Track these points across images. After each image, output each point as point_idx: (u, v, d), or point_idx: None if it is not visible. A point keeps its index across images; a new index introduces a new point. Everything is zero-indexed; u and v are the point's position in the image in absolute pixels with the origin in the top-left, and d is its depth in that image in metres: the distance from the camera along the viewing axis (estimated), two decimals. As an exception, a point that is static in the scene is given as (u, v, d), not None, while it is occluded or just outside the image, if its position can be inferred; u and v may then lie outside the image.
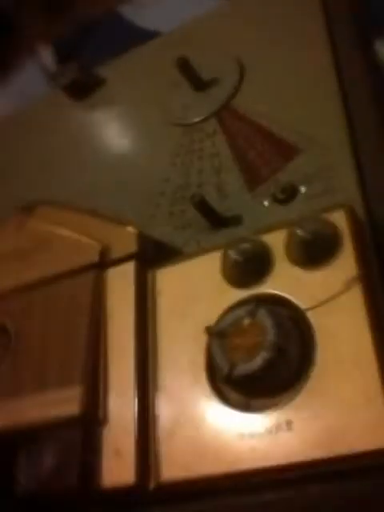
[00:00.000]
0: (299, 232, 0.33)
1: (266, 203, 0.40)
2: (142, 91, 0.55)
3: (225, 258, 0.35)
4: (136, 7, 1.09)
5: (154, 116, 0.51)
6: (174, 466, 0.33)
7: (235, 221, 0.41)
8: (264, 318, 0.32)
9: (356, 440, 0.29)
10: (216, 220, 0.41)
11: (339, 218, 0.34)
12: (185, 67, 0.48)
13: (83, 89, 0.59)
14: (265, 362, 0.31)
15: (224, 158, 0.45)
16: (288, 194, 0.39)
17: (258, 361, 0.31)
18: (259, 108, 0.46)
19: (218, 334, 0.33)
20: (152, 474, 0.33)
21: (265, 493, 0.32)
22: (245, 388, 0.32)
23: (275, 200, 0.40)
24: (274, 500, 0.31)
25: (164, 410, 0.34)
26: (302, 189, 0.39)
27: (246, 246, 0.35)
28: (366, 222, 0.36)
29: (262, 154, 0.43)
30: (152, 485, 0.33)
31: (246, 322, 0.33)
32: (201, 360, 0.34)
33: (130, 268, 0.39)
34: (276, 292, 0.34)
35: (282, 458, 0.30)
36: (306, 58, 0.45)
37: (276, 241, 0.35)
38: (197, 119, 0.48)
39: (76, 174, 0.51)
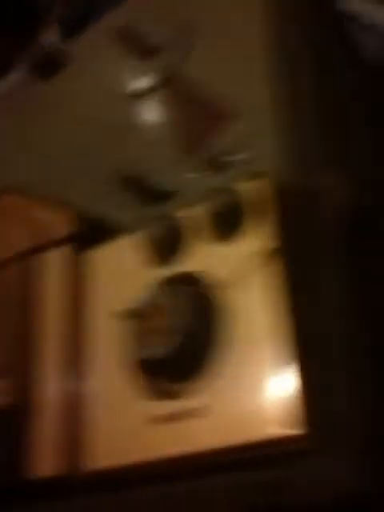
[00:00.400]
0: (208, 206, 0.32)
1: (198, 175, 0.39)
2: (100, 65, 0.54)
3: (145, 237, 0.34)
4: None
5: (108, 90, 0.50)
6: (97, 456, 0.33)
7: (169, 195, 0.40)
8: (174, 297, 0.31)
9: (268, 425, 0.28)
10: (150, 196, 0.40)
11: (252, 188, 0.33)
12: (128, 37, 0.47)
13: (49, 67, 0.58)
14: (176, 345, 0.30)
15: (164, 129, 0.43)
16: (218, 165, 0.38)
17: (168, 343, 0.30)
18: (200, 76, 0.44)
19: (131, 316, 0.32)
20: (77, 464, 0.33)
21: (183, 481, 0.31)
22: (159, 373, 0.32)
23: (206, 171, 0.39)
24: (195, 488, 0.31)
25: (90, 398, 0.34)
26: (234, 157, 0.38)
27: (161, 223, 0.34)
28: (284, 190, 0.34)
29: (199, 123, 0.42)
30: (77, 474, 0.33)
31: (160, 302, 0.32)
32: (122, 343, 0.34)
33: (66, 250, 0.39)
34: (191, 269, 0.33)
35: (198, 444, 0.30)
36: (248, 30, 0.43)
37: (191, 216, 0.34)
38: (143, 89, 0.47)
39: (32, 154, 0.51)
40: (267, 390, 0.28)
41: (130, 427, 0.31)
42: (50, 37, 1.01)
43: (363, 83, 0.58)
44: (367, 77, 0.60)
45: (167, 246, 0.34)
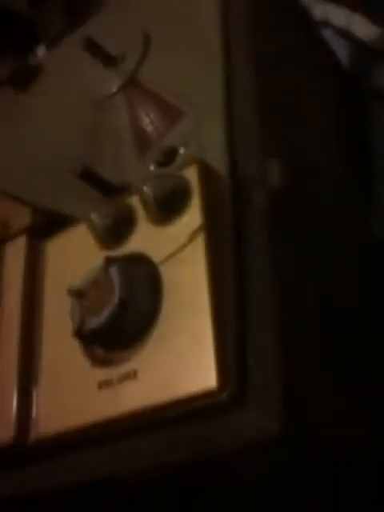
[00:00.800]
0: (147, 191, 0.34)
1: (151, 168, 0.42)
2: (69, 75, 0.57)
3: (91, 223, 0.37)
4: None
5: (76, 96, 0.53)
6: (46, 422, 0.35)
7: (125, 188, 0.42)
8: (113, 275, 0.33)
9: (190, 383, 0.30)
10: (106, 189, 0.42)
11: (190, 174, 0.35)
12: (92, 47, 0.50)
13: (22, 79, 0.61)
14: (109, 316, 0.32)
15: (124, 130, 0.46)
16: (168, 157, 0.41)
17: (103, 315, 0.32)
18: (156, 78, 0.47)
19: (75, 294, 0.34)
20: (29, 430, 0.35)
21: (125, 440, 0.33)
22: (100, 343, 0.34)
23: (159, 164, 0.41)
24: (137, 447, 0.33)
25: (41, 368, 0.36)
26: (181, 150, 0.40)
27: (108, 209, 0.36)
28: (226, 177, 0.36)
29: (153, 121, 0.44)
30: (29, 440, 0.35)
31: (101, 280, 0.34)
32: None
33: (22, 241, 0.41)
34: (136, 250, 0.36)
35: (130, 405, 0.32)
36: (198, 27, 0.46)
37: (137, 202, 0.36)
38: (105, 94, 0.50)
39: (4, 160, 0.54)
40: (190, 355, 0.30)
41: (73, 393, 0.33)
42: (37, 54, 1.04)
43: (334, 86, 0.61)
44: (338, 79, 0.63)
45: (114, 231, 0.36)
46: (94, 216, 0.36)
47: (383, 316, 0.43)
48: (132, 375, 0.32)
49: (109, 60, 0.51)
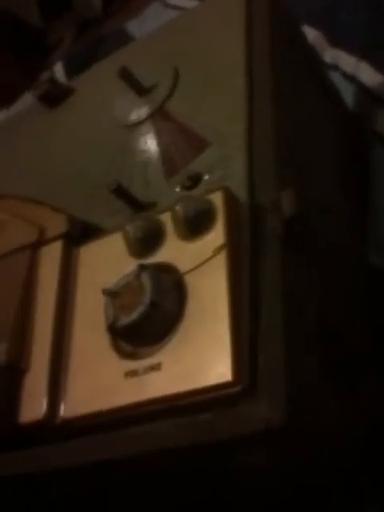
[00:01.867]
0: (179, 210, 0.40)
1: (177, 190, 0.47)
2: (101, 98, 0.62)
3: (125, 234, 0.42)
4: (140, 21, 1.18)
5: (107, 120, 0.59)
6: (75, 404, 0.40)
7: (152, 205, 0.47)
8: (145, 279, 0.39)
9: (208, 376, 0.36)
10: (136, 205, 0.47)
11: (216, 198, 0.41)
12: (126, 76, 0.55)
13: (54, 98, 0.66)
14: (140, 315, 0.37)
15: (152, 154, 0.52)
16: (193, 181, 0.46)
17: (135, 314, 0.38)
18: (184, 110, 0.52)
19: (110, 294, 0.39)
20: (58, 411, 0.40)
21: (147, 424, 0.38)
22: (129, 338, 0.39)
23: (184, 187, 0.47)
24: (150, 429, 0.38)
25: (72, 358, 0.41)
26: (206, 176, 0.46)
27: (141, 223, 0.42)
28: (246, 203, 0.42)
29: (180, 148, 0.50)
30: (58, 420, 0.40)
31: (134, 283, 0.39)
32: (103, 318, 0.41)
33: (58, 246, 0.46)
34: (164, 260, 0.41)
35: (153, 393, 0.37)
36: (224, 65, 0.52)
37: (167, 218, 0.42)
38: (136, 120, 0.55)
39: (36, 171, 0.59)
40: (209, 352, 0.35)
41: (101, 380, 0.39)
42: (56, 71, 1.10)
43: (340, 126, 0.67)
44: (344, 120, 0.69)
45: (145, 242, 0.42)
46: (128, 228, 0.42)
47: (372, 329, 0.49)
48: (156, 367, 0.37)
49: (141, 89, 0.56)
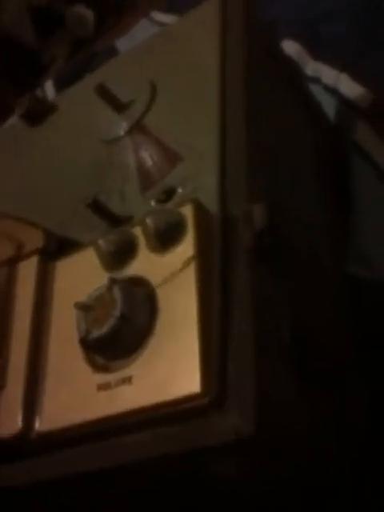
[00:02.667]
0: (150, 223, 0.40)
1: (152, 203, 0.47)
2: (83, 115, 0.63)
3: (97, 248, 0.43)
4: (129, 38, 1.19)
5: (87, 136, 0.59)
6: (50, 419, 0.40)
7: (129, 219, 0.48)
8: (116, 292, 0.39)
9: (178, 388, 0.36)
10: (112, 219, 0.48)
11: (186, 210, 0.41)
12: (103, 93, 0.56)
13: (37, 115, 0.67)
14: (111, 329, 0.38)
15: (130, 169, 0.52)
16: (167, 195, 0.46)
17: (105, 328, 0.38)
18: (160, 124, 0.53)
19: (82, 308, 0.40)
20: (33, 425, 0.40)
21: (118, 436, 0.38)
22: (101, 351, 0.39)
23: (159, 200, 0.47)
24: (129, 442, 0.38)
25: (47, 372, 0.42)
26: (179, 190, 0.46)
27: (113, 237, 0.42)
28: (217, 215, 0.42)
29: (156, 163, 0.50)
30: (33, 434, 0.40)
31: (105, 297, 0.40)
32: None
33: (34, 261, 0.47)
34: (136, 273, 0.41)
35: (124, 405, 0.37)
36: (198, 78, 0.52)
37: (139, 232, 0.42)
38: (115, 136, 0.56)
39: (18, 188, 0.60)
40: (179, 364, 0.36)
41: (74, 394, 0.39)
42: (47, 88, 1.11)
43: (319, 137, 0.68)
44: (325, 134, 0.70)
45: (118, 256, 0.42)
46: (101, 242, 0.42)
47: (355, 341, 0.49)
48: (128, 380, 0.37)
49: (118, 105, 0.57)
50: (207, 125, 0.49)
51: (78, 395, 0.39)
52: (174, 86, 0.55)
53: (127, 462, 0.37)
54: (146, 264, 0.41)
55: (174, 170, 0.48)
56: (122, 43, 1.19)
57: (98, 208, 0.47)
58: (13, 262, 0.48)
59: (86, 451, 0.39)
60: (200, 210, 0.41)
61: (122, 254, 0.42)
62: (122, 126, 0.56)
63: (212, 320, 0.37)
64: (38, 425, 0.40)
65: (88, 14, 1.49)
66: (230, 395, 0.34)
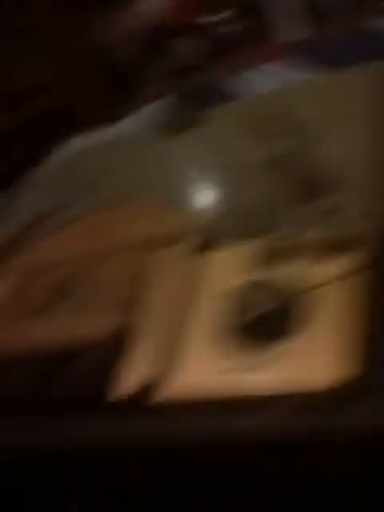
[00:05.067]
0: (322, 234, 0.43)
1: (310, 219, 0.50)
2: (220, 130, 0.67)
3: (251, 250, 0.45)
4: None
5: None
6: (175, 386, 0.42)
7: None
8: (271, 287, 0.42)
9: (313, 381, 0.38)
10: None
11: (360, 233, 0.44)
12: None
13: (182, 126, 0.71)
14: (261, 316, 0.41)
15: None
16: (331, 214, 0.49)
17: (255, 314, 0.41)
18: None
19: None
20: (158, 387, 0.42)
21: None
22: (245, 335, 0.41)
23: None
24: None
25: (179, 348, 0.44)
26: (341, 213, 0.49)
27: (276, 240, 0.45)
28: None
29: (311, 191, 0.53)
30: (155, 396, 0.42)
31: (260, 288, 0.42)
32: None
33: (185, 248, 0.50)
34: (289, 275, 0.44)
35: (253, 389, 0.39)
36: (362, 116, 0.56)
37: (308, 238, 0.45)
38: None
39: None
40: (317, 359, 0.38)
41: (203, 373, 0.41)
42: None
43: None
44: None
45: (280, 255, 0.45)
46: (253, 244, 0.45)
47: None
48: (260, 366, 0.39)
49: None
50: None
51: (205, 374, 0.41)
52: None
53: (242, 443, 0.39)
54: (301, 269, 0.44)
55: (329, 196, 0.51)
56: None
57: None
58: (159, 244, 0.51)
59: (202, 425, 0.40)
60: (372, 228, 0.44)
61: (281, 255, 0.45)
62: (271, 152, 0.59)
63: (360, 323, 0.39)
64: (163, 389, 0.42)
65: (201, 45, 1.56)
66: (366, 391, 0.36)
